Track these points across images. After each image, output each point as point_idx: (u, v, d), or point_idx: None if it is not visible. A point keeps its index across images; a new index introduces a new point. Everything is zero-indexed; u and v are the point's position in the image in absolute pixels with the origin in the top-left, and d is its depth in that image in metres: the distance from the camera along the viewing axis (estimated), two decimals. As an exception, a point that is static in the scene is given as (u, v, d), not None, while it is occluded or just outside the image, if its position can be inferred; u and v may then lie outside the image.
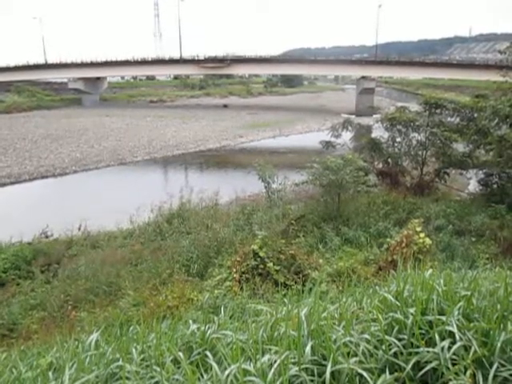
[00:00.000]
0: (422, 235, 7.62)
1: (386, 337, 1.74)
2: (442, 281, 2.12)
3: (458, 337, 1.67)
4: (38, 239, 13.71)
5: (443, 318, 1.75)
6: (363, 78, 58.50)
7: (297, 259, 6.98)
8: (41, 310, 8.85)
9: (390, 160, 16.79)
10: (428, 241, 7.56)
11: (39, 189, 23.95)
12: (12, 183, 24.31)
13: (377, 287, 2.63)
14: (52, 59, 70.15)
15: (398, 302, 1.95)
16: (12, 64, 67.18)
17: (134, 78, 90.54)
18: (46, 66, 67.59)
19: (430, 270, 2.35)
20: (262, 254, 6.60)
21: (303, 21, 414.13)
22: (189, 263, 9.71)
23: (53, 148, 32.52)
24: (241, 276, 6.41)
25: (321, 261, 8.11)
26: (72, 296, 9.25)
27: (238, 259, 6.78)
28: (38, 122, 46.93)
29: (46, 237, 14.07)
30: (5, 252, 12.41)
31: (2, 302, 9.86)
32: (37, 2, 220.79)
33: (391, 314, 1.88)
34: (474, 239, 11.13)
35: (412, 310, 1.81)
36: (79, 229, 14.07)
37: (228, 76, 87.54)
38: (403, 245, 7.55)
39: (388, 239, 8.67)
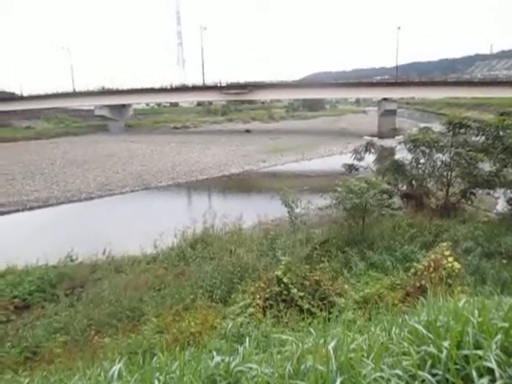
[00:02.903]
0: (450, 259, 7.39)
1: (419, 372, 1.65)
2: (476, 311, 2.02)
3: (497, 374, 1.56)
4: (64, 262, 13.91)
5: (480, 352, 1.65)
6: (384, 99, 58.45)
7: (321, 285, 6.83)
8: (64, 334, 8.87)
9: (414, 182, 16.54)
10: (457, 265, 7.32)
11: (66, 213, 24.44)
12: (40, 207, 24.94)
13: (406, 316, 2.53)
14: (79, 86, 72.84)
15: (430, 334, 1.85)
16: (42, 92, 70.00)
17: (159, 104, 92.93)
18: (74, 94, 70.12)
19: (464, 300, 2.24)
20: (285, 280, 6.49)
21: (323, 45, 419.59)
22: (212, 289, 9.64)
23: (79, 173, 33.34)
24: (264, 302, 6.31)
25: (346, 286, 7.94)
26: (95, 320, 9.28)
27: (262, 285, 6.68)
28: (66, 147, 48.37)
29: (71, 260, 14.26)
30: (31, 274, 12.66)
31: (26, 324, 9.98)
32: (65, 32, 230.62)
33: (424, 348, 1.78)
34: (504, 261, 10.74)
35: (446, 344, 1.71)
36: (104, 253, 14.24)
37: (250, 101, 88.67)
38: (431, 269, 7.33)
39: (415, 263, 8.44)
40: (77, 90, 72.30)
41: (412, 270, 7.97)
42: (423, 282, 6.87)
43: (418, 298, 3.55)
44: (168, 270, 12.27)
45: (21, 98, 74.10)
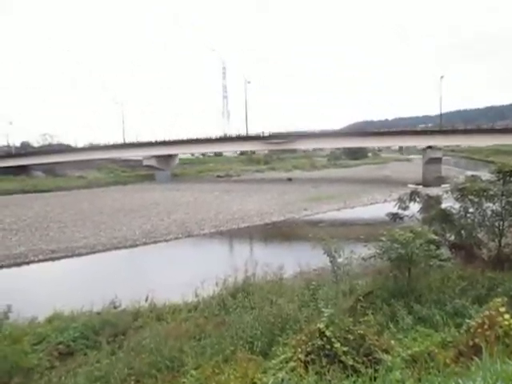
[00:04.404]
0: (506, 316, 6.89)
1: None
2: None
3: None
4: (107, 309, 14.11)
5: None
6: (429, 147, 57.52)
7: (366, 340, 6.50)
8: (104, 383, 8.85)
9: (462, 232, 15.84)
10: (514, 323, 6.80)
11: (111, 259, 25.08)
12: (87, 253, 25.76)
13: (460, 380, 2.35)
14: (128, 137, 77.12)
15: (486, 402, 1.71)
16: (95, 143, 74.73)
17: (203, 154, 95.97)
18: (125, 146, 74.02)
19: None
20: (328, 334, 6.24)
21: (365, 95, 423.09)
22: (252, 340, 9.39)
23: (126, 221, 34.40)
24: (306, 356, 6.06)
25: (392, 342, 7.52)
26: (135, 369, 9.19)
27: (304, 338, 6.45)
28: (114, 196, 50.39)
29: (115, 307, 14.45)
30: (76, 321, 12.93)
31: (69, 371, 10.04)
32: (116, 86, 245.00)
33: None
34: None
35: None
36: (146, 300, 14.35)
37: (292, 151, 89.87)
38: (485, 327, 6.85)
39: (467, 319, 7.92)
40: (127, 141, 76.44)
41: (464, 327, 7.48)
42: (477, 340, 6.41)
43: (472, 359, 3.32)
44: (208, 319, 12.15)
45: (75, 150, 79.06)
